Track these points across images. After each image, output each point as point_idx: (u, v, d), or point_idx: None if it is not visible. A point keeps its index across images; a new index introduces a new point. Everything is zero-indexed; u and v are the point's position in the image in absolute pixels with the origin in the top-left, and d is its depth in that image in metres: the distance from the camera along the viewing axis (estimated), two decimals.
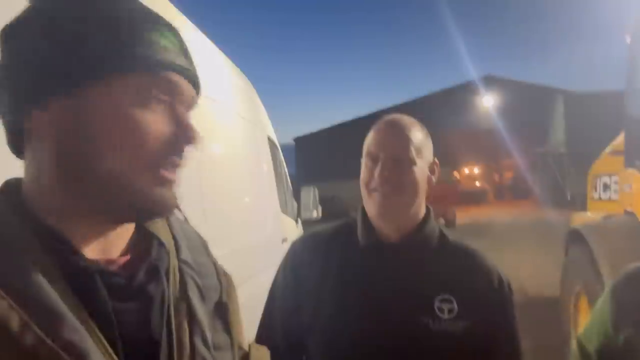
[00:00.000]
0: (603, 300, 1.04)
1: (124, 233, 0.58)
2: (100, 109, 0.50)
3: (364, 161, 1.11)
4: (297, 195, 4.35)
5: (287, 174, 4.32)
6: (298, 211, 4.29)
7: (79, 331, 0.46)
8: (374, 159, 1.08)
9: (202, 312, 0.60)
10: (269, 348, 1.25)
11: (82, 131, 0.50)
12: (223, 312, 0.65)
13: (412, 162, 1.06)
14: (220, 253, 2.15)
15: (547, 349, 4.15)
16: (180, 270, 0.60)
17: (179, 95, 0.55)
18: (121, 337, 0.50)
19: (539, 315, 5.10)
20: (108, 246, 0.56)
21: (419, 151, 1.08)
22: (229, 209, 2.41)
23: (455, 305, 1.04)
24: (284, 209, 3.82)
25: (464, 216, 16.58)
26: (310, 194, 4.21)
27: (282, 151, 4.27)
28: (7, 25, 0.53)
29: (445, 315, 1.03)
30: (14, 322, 0.43)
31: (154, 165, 0.53)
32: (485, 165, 29.70)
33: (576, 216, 4.66)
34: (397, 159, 1.06)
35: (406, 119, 1.12)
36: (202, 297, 0.62)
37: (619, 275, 1.03)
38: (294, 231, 3.91)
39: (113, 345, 0.50)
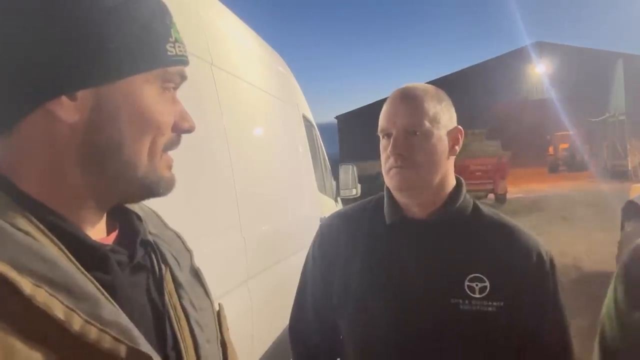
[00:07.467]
0: (614, 278, 0.95)
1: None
2: (123, 101, 0.52)
3: (380, 137, 1.06)
4: (337, 174, 4.31)
5: (324, 153, 4.28)
6: (337, 190, 4.26)
7: (116, 311, 0.48)
8: (387, 134, 1.04)
9: (182, 278, 0.64)
10: (302, 328, 1.24)
11: (107, 121, 0.52)
12: (198, 277, 0.69)
13: (427, 134, 1.01)
14: (255, 233, 2.18)
15: None
16: (155, 242, 0.63)
17: (182, 81, 0.59)
18: (133, 311, 0.52)
19: (595, 292, 4.87)
20: (99, 225, 0.57)
21: (434, 120, 1.01)
22: (262, 191, 2.41)
23: (488, 284, 0.98)
24: (322, 188, 3.80)
25: (516, 190, 16.01)
26: (349, 172, 4.17)
27: (325, 130, 4.22)
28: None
29: (477, 295, 0.98)
30: (58, 309, 0.43)
31: (166, 150, 0.58)
32: None
33: (635, 188, 4.38)
34: (410, 132, 1.01)
35: (420, 87, 1.05)
36: (179, 265, 0.65)
37: (627, 252, 0.94)
38: (332, 210, 3.89)
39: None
